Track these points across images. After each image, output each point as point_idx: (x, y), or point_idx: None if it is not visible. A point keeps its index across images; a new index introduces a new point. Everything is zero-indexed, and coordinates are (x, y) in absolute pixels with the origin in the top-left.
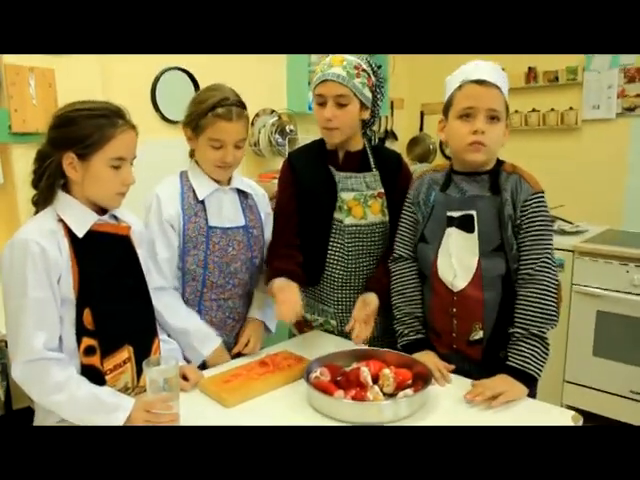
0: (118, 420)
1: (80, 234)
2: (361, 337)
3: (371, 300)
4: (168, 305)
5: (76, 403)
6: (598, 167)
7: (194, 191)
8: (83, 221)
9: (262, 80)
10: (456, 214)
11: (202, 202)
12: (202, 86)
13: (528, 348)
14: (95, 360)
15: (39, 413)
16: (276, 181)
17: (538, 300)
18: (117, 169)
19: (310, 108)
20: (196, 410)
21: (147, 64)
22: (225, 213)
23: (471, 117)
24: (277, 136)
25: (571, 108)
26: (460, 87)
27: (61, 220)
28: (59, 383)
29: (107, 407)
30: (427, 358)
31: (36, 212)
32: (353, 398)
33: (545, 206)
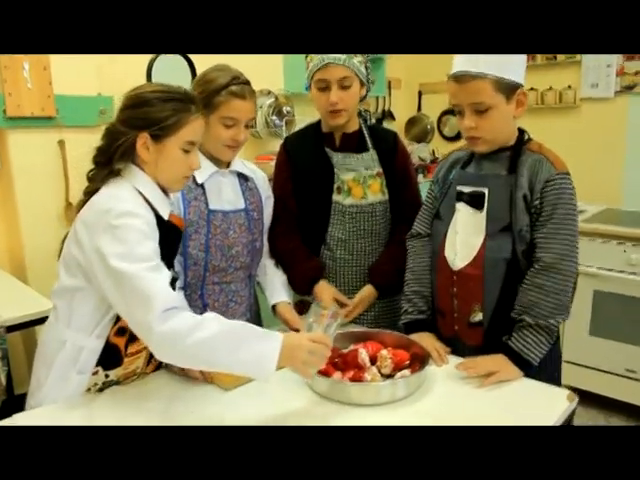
0: (275, 349)
1: (165, 216)
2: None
3: (365, 289)
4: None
5: (225, 333)
6: (597, 146)
7: (193, 175)
8: (165, 205)
9: (259, 61)
10: (466, 189)
11: (201, 186)
12: (198, 67)
13: (534, 336)
14: (121, 341)
15: (36, 392)
16: (272, 163)
17: (556, 292)
18: (187, 153)
19: (307, 88)
20: (195, 393)
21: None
22: (225, 196)
23: (461, 113)
24: (274, 117)
25: (569, 87)
26: (448, 81)
27: (143, 197)
28: (197, 321)
29: (259, 333)
30: (425, 339)
31: (92, 189)
32: (351, 379)
33: (570, 189)
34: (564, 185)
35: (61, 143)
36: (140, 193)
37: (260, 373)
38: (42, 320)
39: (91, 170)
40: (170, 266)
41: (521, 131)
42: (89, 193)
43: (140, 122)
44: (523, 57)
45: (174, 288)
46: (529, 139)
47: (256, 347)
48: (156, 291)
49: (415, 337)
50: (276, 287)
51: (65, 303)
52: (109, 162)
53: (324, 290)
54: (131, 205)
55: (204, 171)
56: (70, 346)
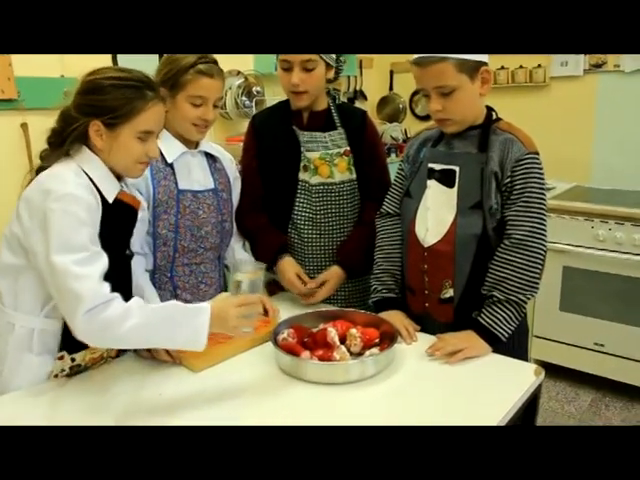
0: (204, 323)
1: (110, 199)
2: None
3: (331, 268)
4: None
5: (154, 318)
6: (566, 124)
7: (162, 154)
8: (111, 187)
9: None
10: (437, 167)
11: (171, 165)
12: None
13: (503, 312)
14: None
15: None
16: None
17: (526, 268)
18: (143, 141)
19: (277, 69)
20: (163, 375)
21: None
22: (194, 176)
23: (427, 96)
24: (244, 98)
25: (539, 65)
26: (411, 66)
27: (90, 179)
28: (125, 310)
29: (189, 312)
30: (394, 317)
31: (41, 167)
32: (320, 358)
33: (539, 168)
34: (534, 164)
35: (24, 126)
36: (85, 173)
37: (194, 346)
38: None
39: (44, 150)
40: (126, 247)
41: (489, 109)
42: (37, 171)
43: (92, 109)
44: None
45: (109, 276)
46: (498, 118)
47: (186, 324)
48: (82, 291)
49: (385, 315)
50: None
51: (9, 284)
52: (62, 145)
53: (290, 267)
54: (71, 187)
55: (173, 151)
56: (19, 329)
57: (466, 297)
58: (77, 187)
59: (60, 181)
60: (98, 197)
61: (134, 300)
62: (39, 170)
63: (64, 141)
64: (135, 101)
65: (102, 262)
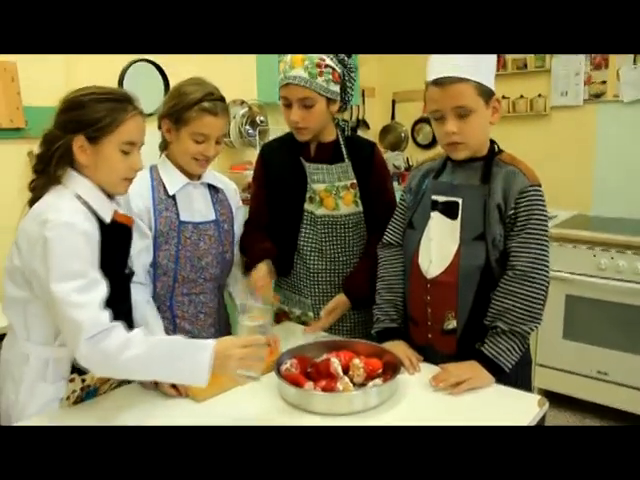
0: (205, 360)
1: (107, 219)
2: (310, 329)
3: (337, 297)
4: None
5: (155, 350)
6: (567, 153)
7: (164, 186)
8: (106, 207)
9: (232, 71)
10: (441, 199)
11: (172, 197)
12: (170, 76)
13: (507, 342)
14: None
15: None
16: (247, 172)
17: (529, 299)
18: (126, 154)
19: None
20: (167, 407)
21: (114, 55)
22: (196, 207)
23: (442, 118)
24: (248, 127)
25: (540, 95)
26: (426, 88)
27: (84, 203)
28: (126, 340)
29: (191, 347)
30: (397, 347)
31: (34, 198)
32: (323, 389)
33: (542, 200)
34: (537, 196)
35: (31, 155)
36: (81, 199)
37: (196, 382)
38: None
39: (32, 180)
40: (124, 266)
41: (492, 142)
42: (30, 203)
43: (75, 125)
44: (494, 64)
45: (111, 302)
46: (500, 150)
47: (188, 359)
48: (82, 319)
49: (388, 345)
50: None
51: (18, 316)
52: (47, 168)
53: (260, 275)
54: (67, 215)
55: (176, 182)
56: (34, 360)
57: (469, 328)
58: (72, 215)
59: (55, 209)
60: (95, 221)
61: (137, 331)
62: (32, 201)
63: (49, 163)
64: (116, 112)
65: (101, 289)
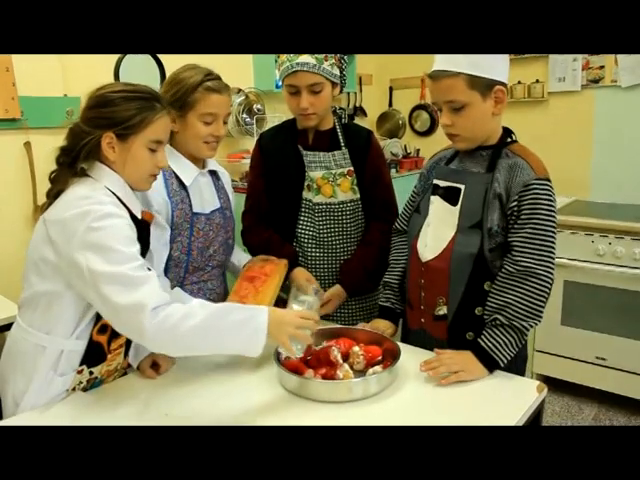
0: (263, 323)
1: (138, 215)
2: None
3: (334, 287)
4: None
5: (215, 316)
6: (565, 139)
7: (176, 177)
8: (136, 203)
9: (228, 58)
10: (442, 183)
11: (184, 188)
12: (167, 67)
13: (504, 336)
14: (104, 339)
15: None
16: (244, 161)
17: (533, 296)
18: (153, 152)
19: (277, 86)
20: (168, 394)
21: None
22: (205, 197)
23: (440, 110)
24: (245, 115)
25: (537, 81)
26: (427, 80)
27: (118, 198)
28: (187, 310)
29: (246, 310)
30: (379, 324)
31: (55, 190)
32: (323, 377)
33: (549, 194)
34: (543, 190)
35: (27, 145)
36: (113, 193)
37: (251, 349)
38: (9, 326)
39: (54, 171)
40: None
41: (507, 131)
42: (54, 195)
43: (105, 122)
44: (502, 55)
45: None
46: (513, 141)
47: (245, 325)
48: (144, 294)
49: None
50: (244, 256)
51: (42, 309)
52: (73, 162)
53: (301, 273)
54: (109, 207)
55: (188, 173)
56: (50, 351)
57: (459, 316)
58: (113, 206)
59: (95, 202)
60: (128, 215)
61: (194, 301)
62: (53, 193)
63: (76, 157)
64: (145, 112)
65: (152, 271)
